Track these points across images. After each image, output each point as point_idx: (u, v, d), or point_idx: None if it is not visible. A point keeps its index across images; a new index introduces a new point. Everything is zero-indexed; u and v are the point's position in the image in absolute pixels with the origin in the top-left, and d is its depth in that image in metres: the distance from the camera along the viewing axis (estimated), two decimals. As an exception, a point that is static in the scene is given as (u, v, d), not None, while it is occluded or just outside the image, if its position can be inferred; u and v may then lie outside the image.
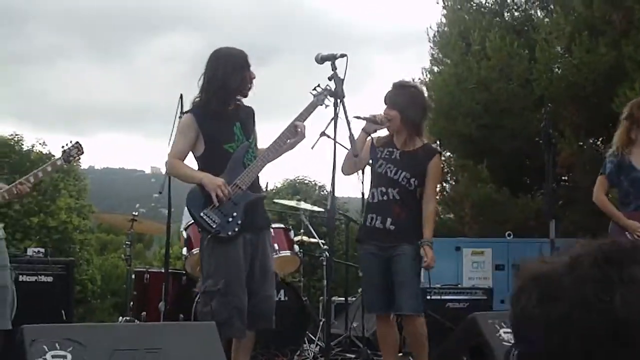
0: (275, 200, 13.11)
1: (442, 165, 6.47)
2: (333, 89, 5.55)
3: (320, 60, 5.61)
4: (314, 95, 5.84)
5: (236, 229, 5.55)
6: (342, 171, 6.11)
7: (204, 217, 5.56)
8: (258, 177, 5.79)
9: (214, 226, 5.54)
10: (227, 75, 5.68)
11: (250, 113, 5.93)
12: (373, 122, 6.13)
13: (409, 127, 6.20)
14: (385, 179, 6.11)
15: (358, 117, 6.06)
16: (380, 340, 6.28)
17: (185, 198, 5.77)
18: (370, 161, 6.24)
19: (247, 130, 5.80)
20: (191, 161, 5.85)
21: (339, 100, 5.48)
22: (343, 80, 5.50)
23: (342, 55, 5.53)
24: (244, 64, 5.77)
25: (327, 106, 5.81)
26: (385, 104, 6.25)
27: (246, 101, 5.92)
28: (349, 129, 5.47)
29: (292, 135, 5.74)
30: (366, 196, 6.28)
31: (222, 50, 5.84)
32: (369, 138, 6.19)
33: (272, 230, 8.28)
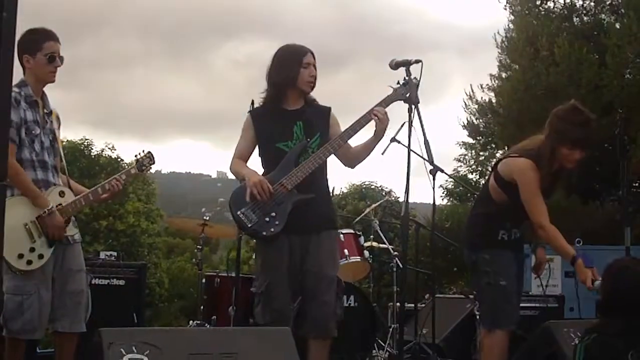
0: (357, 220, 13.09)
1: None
2: (407, 95, 5.46)
3: (395, 66, 5.54)
4: (393, 89, 5.60)
5: (272, 229, 5.43)
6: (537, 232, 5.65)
7: (241, 215, 5.47)
8: (318, 176, 5.63)
9: (250, 225, 5.45)
10: (274, 71, 5.65)
11: (323, 113, 5.80)
12: None
13: None
14: None
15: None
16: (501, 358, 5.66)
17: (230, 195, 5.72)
18: None
19: (311, 130, 5.66)
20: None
21: (413, 106, 5.41)
22: (418, 86, 5.44)
23: (417, 61, 5.45)
24: (294, 61, 5.65)
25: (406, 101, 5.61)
26: (577, 147, 5.50)
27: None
28: (424, 135, 5.39)
29: (360, 128, 5.54)
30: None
31: (280, 48, 5.79)
32: None
33: (340, 234, 8.35)
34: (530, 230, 5.78)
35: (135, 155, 5.75)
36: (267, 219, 5.45)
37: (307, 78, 5.65)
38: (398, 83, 5.61)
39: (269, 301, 5.49)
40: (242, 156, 5.79)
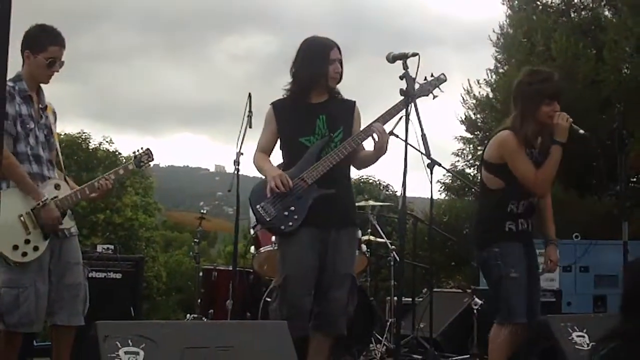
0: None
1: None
2: (404, 88, 5.42)
3: (392, 59, 5.50)
4: (420, 85, 5.58)
5: (291, 224, 5.42)
6: (544, 191, 5.69)
7: (260, 209, 5.47)
8: (339, 171, 5.57)
9: (268, 219, 5.45)
10: (300, 67, 5.61)
11: (348, 107, 5.76)
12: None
13: None
14: None
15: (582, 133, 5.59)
16: (506, 353, 5.60)
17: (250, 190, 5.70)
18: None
19: (335, 124, 5.62)
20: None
21: (410, 100, 5.38)
22: (415, 79, 5.41)
23: (414, 54, 5.40)
24: (321, 56, 5.61)
25: (435, 96, 5.62)
26: (554, 100, 5.62)
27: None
28: (421, 128, 5.35)
29: (367, 136, 5.51)
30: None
31: (307, 40, 5.73)
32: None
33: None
34: (538, 225, 5.80)
35: (134, 152, 5.75)
36: (286, 213, 5.44)
37: (333, 74, 5.64)
38: (425, 79, 5.59)
39: (285, 295, 5.46)
40: (264, 150, 5.75)
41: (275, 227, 5.50)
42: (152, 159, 5.76)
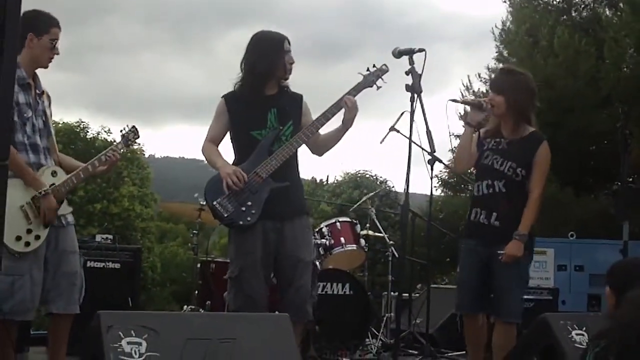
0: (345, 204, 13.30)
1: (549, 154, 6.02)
2: (410, 83, 5.44)
3: (398, 54, 5.52)
4: (363, 76, 5.62)
5: (249, 219, 5.46)
6: (456, 168, 5.99)
7: (217, 205, 5.50)
8: (290, 164, 5.62)
9: (226, 215, 5.48)
10: (256, 59, 5.60)
11: (296, 100, 5.78)
12: (477, 108, 5.84)
13: (516, 113, 5.83)
14: (491, 170, 5.81)
15: (455, 101, 5.88)
16: (469, 341, 6.11)
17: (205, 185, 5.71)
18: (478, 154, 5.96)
19: (285, 117, 5.65)
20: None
21: (415, 95, 5.39)
22: (421, 75, 5.42)
23: (420, 50, 5.42)
24: (276, 48, 5.62)
25: (378, 87, 5.62)
26: (491, 90, 5.94)
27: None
28: (427, 124, 5.36)
29: (331, 116, 5.54)
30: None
31: (258, 34, 5.75)
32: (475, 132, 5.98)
33: (337, 222, 8.37)
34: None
35: (121, 131, 5.76)
36: (244, 209, 5.49)
37: (288, 66, 5.67)
38: (368, 70, 5.63)
39: (241, 286, 5.53)
40: (214, 140, 5.80)
41: (234, 223, 5.53)
42: (138, 136, 5.77)
